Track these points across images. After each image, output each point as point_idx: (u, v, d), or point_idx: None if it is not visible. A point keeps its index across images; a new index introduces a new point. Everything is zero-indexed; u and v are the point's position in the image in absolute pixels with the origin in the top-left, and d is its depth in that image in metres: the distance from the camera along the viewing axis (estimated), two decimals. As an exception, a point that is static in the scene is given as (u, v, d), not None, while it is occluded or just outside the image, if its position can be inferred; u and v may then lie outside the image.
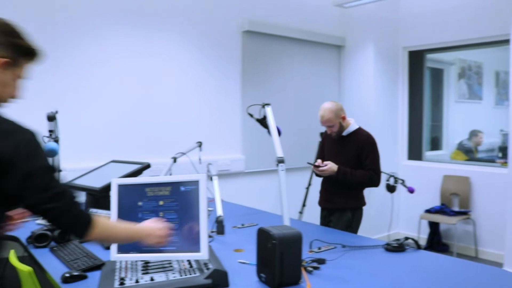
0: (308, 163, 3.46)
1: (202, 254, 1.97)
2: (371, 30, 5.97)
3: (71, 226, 1.57)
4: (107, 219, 1.70)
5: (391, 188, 4.18)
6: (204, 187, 2.03)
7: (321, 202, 3.68)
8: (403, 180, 4.12)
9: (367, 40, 5.98)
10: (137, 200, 2.08)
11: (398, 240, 2.54)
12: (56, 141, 3.28)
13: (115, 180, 2.12)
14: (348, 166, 3.38)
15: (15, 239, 2.79)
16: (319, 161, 3.41)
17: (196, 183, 2.04)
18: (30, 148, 1.45)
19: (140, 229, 1.84)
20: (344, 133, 3.48)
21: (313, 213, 3.94)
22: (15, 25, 1.51)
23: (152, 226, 1.87)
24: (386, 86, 6.16)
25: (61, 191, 1.52)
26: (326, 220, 3.57)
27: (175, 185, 2.07)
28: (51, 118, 3.36)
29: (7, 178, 1.41)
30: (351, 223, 3.48)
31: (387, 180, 4.14)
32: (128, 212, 2.07)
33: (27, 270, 2.08)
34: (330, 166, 3.33)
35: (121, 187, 2.11)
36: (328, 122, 3.40)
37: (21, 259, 2.33)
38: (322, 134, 3.88)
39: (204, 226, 1.99)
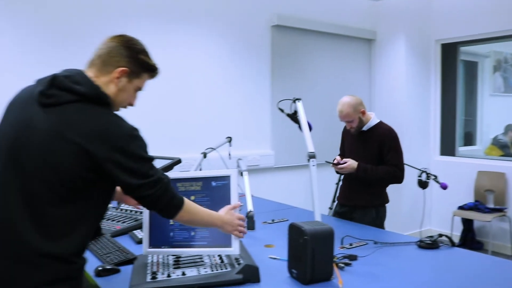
0: (327, 161, 3.34)
1: (233, 249, 1.98)
2: (402, 23, 5.86)
3: (164, 209, 1.71)
4: (193, 203, 1.82)
5: (423, 184, 4.10)
6: (235, 183, 2.03)
7: (342, 199, 3.54)
8: (435, 176, 4.04)
9: (398, 33, 5.87)
10: None
11: (431, 237, 2.48)
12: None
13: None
14: (370, 162, 3.24)
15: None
16: (337, 158, 3.30)
17: (227, 178, 2.04)
18: (132, 143, 1.61)
19: (219, 216, 1.92)
20: (364, 128, 3.34)
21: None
22: (143, 45, 1.76)
23: (231, 216, 1.96)
24: (418, 80, 6.04)
25: (157, 178, 1.64)
26: (347, 217, 3.41)
27: (206, 180, 2.08)
28: None
29: (113, 172, 1.56)
30: (375, 221, 3.34)
31: (419, 176, 4.06)
32: None
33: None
34: (350, 163, 3.18)
35: None
36: (347, 117, 3.26)
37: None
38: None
39: None
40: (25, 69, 3.67)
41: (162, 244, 2.07)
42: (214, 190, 2.06)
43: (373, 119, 3.38)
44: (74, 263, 1.57)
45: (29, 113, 1.58)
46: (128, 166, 1.57)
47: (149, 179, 1.61)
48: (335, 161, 3.26)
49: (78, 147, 1.51)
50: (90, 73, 1.66)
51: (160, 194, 1.64)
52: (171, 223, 2.06)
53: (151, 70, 1.79)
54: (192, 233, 2.04)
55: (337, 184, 4.57)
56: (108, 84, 1.67)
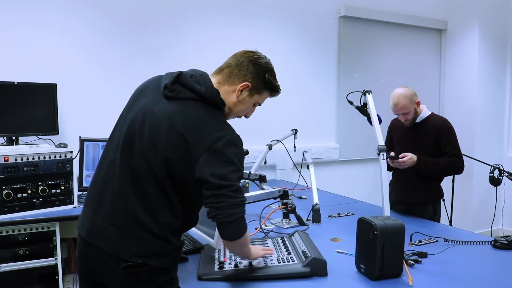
0: (387, 155, 3.17)
1: (213, 242, 2.03)
2: (476, 12, 5.59)
3: (236, 222, 1.66)
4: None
5: (495, 181, 3.95)
6: None
7: (396, 196, 3.34)
8: (509, 173, 3.87)
9: (471, 23, 5.61)
10: None
11: (507, 236, 2.36)
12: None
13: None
14: (424, 154, 3.12)
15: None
16: (392, 153, 3.19)
17: None
18: (237, 150, 1.70)
19: (254, 253, 1.91)
20: (417, 120, 3.24)
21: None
22: (271, 64, 1.89)
23: (260, 252, 1.96)
24: (492, 73, 5.74)
25: (239, 188, 1.67)
26: (403, 214, 3.22)
27: None
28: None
29: (206, 167, 1.62)
30: (433, 218, 3.24)
31: (491, 173, 3.91)
32: None
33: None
34: (410, 156, 3.04)
35: None
36: (403, 109, 3.14)
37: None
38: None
39: None
40: (100, 58, 3.82)
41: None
42: None
43: (425, 110, 3.27)
44: (170, 243, 1.69)
45: (154, 101, 1.73)
46: (216, 166, 1.62)
47: (232, 185, 1.63)
48: (393, 155, 3.14)
49: (180, 136, 1.63)
50: (214, 79, 1.82)
51: (237, 204, 1.64)
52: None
53: (274, 90, 1.91)
54: (203, 218, 1.94)
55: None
56: (230, 93, 1.80)
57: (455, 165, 3.13)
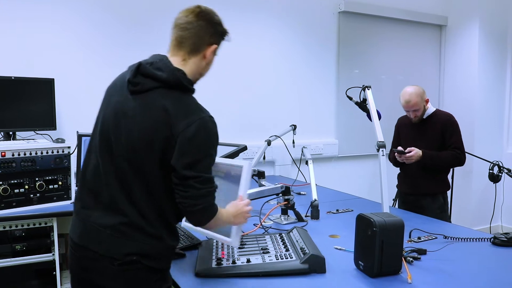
0: (394, 149, 3.34)
1: (231, 241, 1.90)
2: (476, 8, 5.56)
3: (199, 212, 1.65)
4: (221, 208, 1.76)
5: (495, 178, 3.95)
6: (245, 175, 1.94)
7: (406, 188, 3.58)
8: (509, 170, 3.86)
9: (471, 19, 5.58)
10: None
11: (507, 233, 2.35)
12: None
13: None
14: (431, 148, 3.33)
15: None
16: (399, 147, 3.32)
17: (240, 169, 1.97)
18: (208, 133, 1.65)
19: (231, 211, 1.84)
20: (424, 116, 3.44)
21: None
22: (216, 13, 1.82)
23: (236, 207, 1.86)
24: (492, 69, 5.72)
25: (210, 179, 1.66)
26: (415, 205, 3.42)
27: (228, 168, 2.07)
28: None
29: (179, 154, 1.60)
30: (444, 207, 3.44)
31: (491, 169, 3.91)
32: None
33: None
34: (416, 151, 3.25)
35: None
36: (415, 106, 3.35)
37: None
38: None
39: None
40: (98, 53, 3.80)
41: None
42: (231, 179, 2.03)
43: (430, 107, 3.46)
44: (164, 241, 1.68)
45: (123, 101, 1.70)
46: (186, 155, 1.60)
47: (199, 176, 1.61)
48: (400, 150, 3.30)
49: (153, 131, 1.61)
50: (178, 57, 1.75)
51: (202, 195, 1.63)
52: None
53: (226, 36, 1.88)
54: None
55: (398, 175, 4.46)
56: (200, 61, 1.77)
57: (458, 157, 3.34)
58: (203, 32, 1.75)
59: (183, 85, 1.68)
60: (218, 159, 2.19)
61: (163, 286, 1.74)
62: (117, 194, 1.65)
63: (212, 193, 1.67)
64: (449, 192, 3.54)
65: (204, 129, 1.63)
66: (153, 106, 1.63)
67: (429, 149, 3.31)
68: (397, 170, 4.04)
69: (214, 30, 1.78)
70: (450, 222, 3.35)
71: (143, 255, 1.64)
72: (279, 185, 2.72)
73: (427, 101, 3.41)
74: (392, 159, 3.52)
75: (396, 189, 4.44)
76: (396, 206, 3.75)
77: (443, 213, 3.39)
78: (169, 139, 1.59)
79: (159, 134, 1.60)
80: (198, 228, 1.89)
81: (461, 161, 3.37)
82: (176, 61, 1.73)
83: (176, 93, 1.67)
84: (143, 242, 1.64)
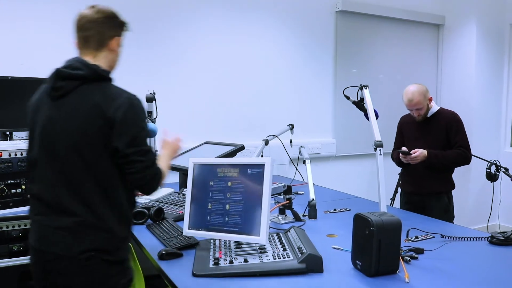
0: (398, 150, 3.30)
1: (260, 239, 1.94)
2: (473, 7, 5.57)
3: (150, 181, 1.82)
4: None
5: (492, 177, 3.94)
6: (269, 171, 2.00)
7: (411, 188, 3.54)
8: (506, 169, 3.86)
9: (469, 18, 5.59)
10: (209, 180, 2.15)
11: (504, 232, 2.35)
12: (153, 122, 3.39)
13: (192, 159, 2.22)
14: (436, 147, 3.29)
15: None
16: (404, 148, 3.28)
17: (262, 166, 2.02)
18: (135, 110, 1.79)
19: (167, 155, 2.09)
20: (428, 115, 3.40)
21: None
22: (112, 8, 1.93)
23: (166, 146, 2.14)
24: (490, 68, 5.73)
25: (149, 149, 1.82)
26: (419, 206, 3.42)
27: (243, 167, 2.09)
28: (150, 99, 3.47)
29: (117, 136, 1.73)
30: (449, 207, 3.40)
31: (488, 168, 3.90)
32: (200, 191, 2.16)
33: (128, 245, 2.16)
34: (421, 151, 3.22)
35: (197, 166, 2.21)
36: (418, 105, 3.30)
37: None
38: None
39: (266, 210, 1.96)
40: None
41: (200, 227, 2.12)
42: (249, 177, 2.05)
43: (434, 105, 3.42)
44: (117, 234, 1.79)
45: (52, 110, 1.81)
46: (124, 135, 1.74)
47: (139, 150, 1.77)
48: (405, 151, 3.26)
49: (89, 125, 1.73)
50: (88, 56, 1.87)
51: (149, 164, 1.80)
52: (209, 207, 2.12)
53: (126, 27, 2.00)
54: (226, 219, 2.06)
55: (400, 174, 4.46)
56: (110, 54, 1.90)
57: (464, 156, 3.31)
58: (103, 27, 1.86)
59: (101, 76, 1.81)
60: (234, 159, 2.22)
61: (123, 280, 1.83)
62: (65, 196, 1.74)
63: (155, 161, 1.84)
64: (453, 192, 3.51)
65: (133, 107, 1.78)
66: (81, 102, 1.75)
67: (434, 148, 3.28)
68: (395, 169, 4.04)
69: (113, 23, 1.90)
70: (453, 222, 3.32)
71: (100, 250, 1.73)
72: (281, 185, 2.72)
73: (430, 100, 3.37)
74: (396, 159, 3.50)
75: (394, 189, 4.46)
76: (398, 206, 3.74)
77: (447, 213, 3.36)
78: (105, 125, 1.72)
79: (95, 125, 1.72)
80: (223, 234, 2.05)
81: (467, 159, 3.34)
82: (87, 59, 1.85)
83: (98, 84, 1.80)
84: (97, 237, 1.74)
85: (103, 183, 1.76)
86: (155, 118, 3.48)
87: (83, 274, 1.73)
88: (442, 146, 3.33)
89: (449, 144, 3.34)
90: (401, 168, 3.83)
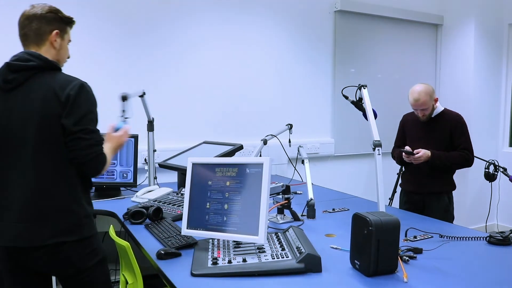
0: (401, 150, 3.31)
1: (259, 238, 1.95)
2: (472, 7, 5.58)
3: (93, 159, 1.92)
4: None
5: (490, 177, 3.95)
6: (267, 171, 2.00)
7: (412, 187, 3.54)
8: (504, 169, 3.86)
9: (467, 18, 5.60)
10: (208, 179, 2.15)
11: (502, 232, 2.35)
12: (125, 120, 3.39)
13: (190, 159, 2.22)
14: (439, 148, 3.29)
15: (112, 214, 2.93)
16: (407, 147, 3.29)
17: (260, 166, 2.02)
18: (85, 93, 1.92)
19: (111, 147, 2.16)
20: (432, 115, 3.39)
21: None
22: (49, 4, 2.03)
23: (109, 139, 2.19)
24: (488, 68, 5.74)
25: (95, 130, 1.94)
26: (420, 205, 3.43)
27: (241, 166, 2.09)
28: (124, 98, 3.49)
29: (66, 115, 1.86)
30: (449, 207, 3.41)
31: (486, 168, 3.91)
32: (199, 191, 2.16)
33: (126, 244, 2.16)
34: (425, 151, 3.23)
35: (195, 166, 2.21)
36: (424, 105, 3.28)
37: (118, 234, 2.44)
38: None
39: (264, 210, 1.96)
40: (92, 55, 3.79)
41: (198, 226, 2.13)
42: (248, 177, 2.05)
43: (439, 105, 3.41)
44: (77, 213, 1.93)
45: (3, 101, 1.93)
46: (72, 115, 1.87)
47: (85, 128, 1.89)
48: (408, 150, 3.27)
49: (44, 109, 1.86)
50: (32, 50, 1.98)
51: (94, 143, 1.91)
52: (208, 207, 2.12)
53: (71, 22, 2.10)
54: (225, 218, 2.07)
55: (399, 174, 4.46)
56: (50, 49, 2.00)
57: (466, 158, 3.31)
58: (40, 23, 1.96)
59: (53, 65, 1.96)
60: (232, 159, 2.22)
61: (95, 259, 1.99)
62: (22, 187, 1.87)
63: (100, 143, 1.95)
64: (454, 192, 3.51)
65: (83, 90, 1.91)
66: (37, 90, 1.88)
67: (437, 148, 3.28)
68: (394, 169, 4.05)
69: (50, 17, 1.98)
70: (452, 222, 3.32)
71: (63, 232, 1.88)
72: (280, 184, 2.72)
73: (436, 100, 3.36)
74: (397, 157, 3.50)
75: (393, 189, 4.46)
76: (397, 205, 3.74)
77: (447, 213, 3.37)
78: (59, 106, 1.85)
79: (51, 108, 1.86)
80: (221, 234, 2.06)
81: (469, 162, 3.34)
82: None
83: (50, 72, 1.94)
84: (58, 221, 1.88)
85: (59, 164, 1.89)
86: (127, 118, 3.51)
87: (52, 260, 1.91)
88: (445, 147, 3.33)
89: (452, 145, 3.34)
90: (399, 168, 3.84)
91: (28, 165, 1.88)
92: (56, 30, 1.99)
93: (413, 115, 3.48)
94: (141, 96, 3.35)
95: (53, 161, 1.89)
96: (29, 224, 1.86)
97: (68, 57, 2.13)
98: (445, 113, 3.41)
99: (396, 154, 3.52)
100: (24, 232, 1.85)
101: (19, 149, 1.88)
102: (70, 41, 2.11)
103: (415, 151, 3.23)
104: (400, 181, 3.75)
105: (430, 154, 3.23)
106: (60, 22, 2.01)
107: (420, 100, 3.26)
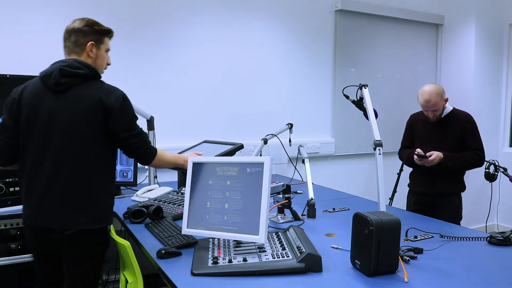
0: (415, 154, 3.25)
1: (259, 238, 1.94)
2: (472, 7, 5.58)
3: (144, 154, 2.27)
4: (164, 152, 2.39)
5: (491, 177, 3.95)
6: (268, 170, 1.99)
7: (420, 188, 3.49)
8: (505, 169, 3.86)
9: (468, 18, 5.59)
10: (208, 179, 2.15)
11: (503, 233, 2.35)
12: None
13: (191, 158, 2.23)
14: (450, 148, 3.26)
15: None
16: (418, 150, 3.24)
17: (261, 165, 2.02)
18: (128, 102, 2.19)
19: (180, 156, 2.51)
20: (442, 115, 3.34)
21: (401, 200, 3.79)
22: (93, 19, 2.27)
23: (188, 155, 2.41)
24: (489, 68, 5.74)
25: (141, 131, 2.23)
26: (429, 207, 3.40)
27: (242, 166, 2.08)
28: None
29: (114, 123, 2.13)
30: (458, 209, 3.39)
31: (487, 168, 3.90)
32: (199, 190, 2.16)
33: (126, 243, 2.16)
34: (437, 153, 3.18)
35: (196, 165, 2.21)
36: (435, 106, 3.23)
37: (118, 233, 2.44)
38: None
39: (265, 210, 1.96)
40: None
41: (199, 225, 2.13)
42: (248, 176, 2.05)
43: (448, 105, 3.36)
44: (104, 205, 2.21)
45: (51, 102, 2.12)
46: (121, 121, 2.14)
47: (134, 132, 2.18)
48: (420, 153, 3.22)
49: (90, 113, 2.09)
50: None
51: (141, 144, 2.21)
52: (208, 206, 2.12)
53: (108, 32, 2.31)
54: (225, 218, 2.06)
55: (399, 174, 4.46)
56: (86, 59, 2.21)
57: (478, 158, 3.30)
58: (77, 36, 2.20)
59: (97, 74, 2.20)
60: (233, 158, 2.24)
61: (104, 245, 2.24)
62: (62, 177, 2.08)
63: (146, 140, 2.26)
64: (463, 194, 3.48)
65: (126, 100, 2.18)
66: (83, 96, 2.10)
67: (447, 149, 3.25)
68: (394, 169, 4.05)
69: (86, 31, 2.20)
70: (459, 223, 3.31)
71: (95, 220, 2.14)
72: (280, 184, 2.71)
73: (446, 100, 3.30)
74: (407, 159, 3.46)
75: (393, 188, 4.46)
76: (400, 206, 3.72)
77: (456, 214, 3.34)
78: (105, 115, 2.10)
79: (96, 114, 2.09)
80: (222, 233, 2.07)
81: (481, 162, 3.32)
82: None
83: (94, 81, 2.18)
84: (93, 210, 2.13)
85: (91, 163, 2.12)
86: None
87: (72, 243, 2.13)
88: (455, 147, 3.29)
89: (463, 145, 3.30)
90: (399, 167, 3.83)
91: (69, 159, 2.08)
92: (91, 42, 2.21)
93: (422, 115, 3.43)
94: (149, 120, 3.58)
95: (92, 157, 2.11)
96: (66, 210, 2.09)
97: (109, 64, 2.35)
98: (455, 113, 3.36)
99: (406, 156, 3.47)
100: (61, 217, 2.09)
101: (63, 144, 2.08)
102: (108, 50, 2.32)
103: (427, 154, 3.18)
104: (408, 182, 3.70)
105: (442, 156, 3.19)
106: (96, 34, 2.23)
107: (432, 101, 3.20)
